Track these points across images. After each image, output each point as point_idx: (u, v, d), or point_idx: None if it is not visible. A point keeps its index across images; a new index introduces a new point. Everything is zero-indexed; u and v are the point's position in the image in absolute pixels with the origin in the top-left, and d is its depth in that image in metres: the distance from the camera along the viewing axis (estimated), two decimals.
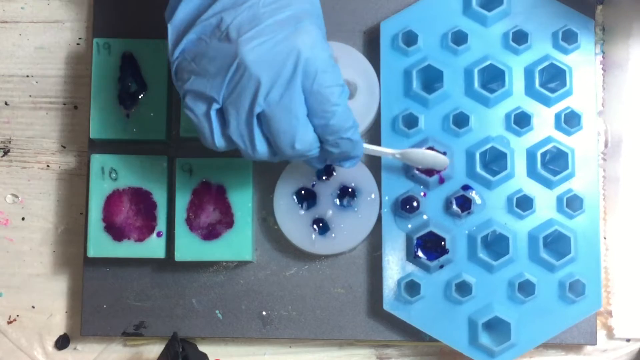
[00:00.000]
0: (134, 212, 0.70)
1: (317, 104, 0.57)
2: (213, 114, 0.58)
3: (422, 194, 0.70)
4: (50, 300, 0.74)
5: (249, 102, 0.57)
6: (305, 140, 0.58)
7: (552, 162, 0.71)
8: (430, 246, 0.69)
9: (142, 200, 0.70)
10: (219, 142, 0.59)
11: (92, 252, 0.70)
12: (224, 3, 0.57)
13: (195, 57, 0.58)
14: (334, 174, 0.70)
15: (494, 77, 0.71)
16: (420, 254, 0.69)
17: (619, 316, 0.72)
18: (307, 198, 0.70)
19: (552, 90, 0.70)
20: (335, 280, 0.71)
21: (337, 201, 0.70)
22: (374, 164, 0.70)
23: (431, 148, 0.69)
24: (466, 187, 0.70)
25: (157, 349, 0.73)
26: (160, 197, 0.70)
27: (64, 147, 0.75)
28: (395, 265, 0.70)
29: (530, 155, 0.70)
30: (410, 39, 0.71)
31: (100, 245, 0.69)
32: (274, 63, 0.56)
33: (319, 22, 0.58)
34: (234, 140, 0.59)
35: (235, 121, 0.58)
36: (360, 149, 0.61)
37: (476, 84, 0.70)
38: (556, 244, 0.69)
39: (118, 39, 0.71)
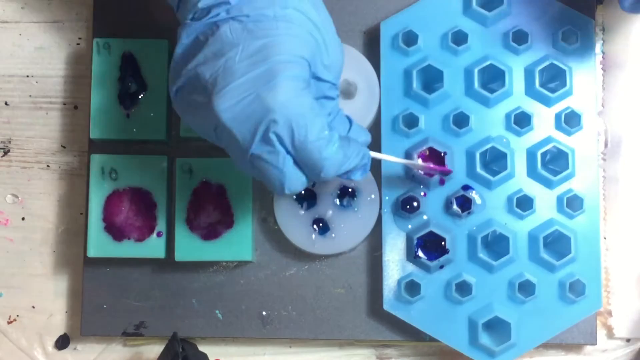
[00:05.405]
0: (134, 212, 0.70)
1: (303, 158, 0.57)
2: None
3: (422, 194, 0.70)
4: (50, 300, 0.74)
5: (237, 152, 0.57)
6: (295, 185, 0.58)
7: (552, 162, 0.71)
8: (430, 246, 0.69)
9: (142, 200, 0.70)
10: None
11: (92, 252, 0.70)
12: (206, 54, 0.56)
13: (185, 103, 0.58)
14: None
15: (494, 77, 0.71)
16: (420, 254, 0.69)
17: (619, 316, 0.72)
18: (307, 198, 0.70)
19: (552, 90, 0.70)
20: (335, 280, 0.71)
21: (337, 201, 0.70)
22: (375, 164, 0.70)
23: (431, 148, 0.69)
24: (466, 187, 0.70)
25: (157, 349, 0.73)
26: (160, 197, 0.70)
27: (64, 147, 0.75)
28: (395, 265, 0.70)
29: (531, 155, 0.70)
30: (410, 39, 0.71)
31: (100, 245, 0.69)
32: (248, 121, 0.55)
33: (300, 71, 0.56)
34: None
35: (237, 165, 0.59)
36: (364, 167, 0.60)
37: (476, 84, 0.70)
38: (556, 244, 0.69)
39: (118, 39, 0.71)
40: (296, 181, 0.58)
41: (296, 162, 0.57)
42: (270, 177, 0.57)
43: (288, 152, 0.56)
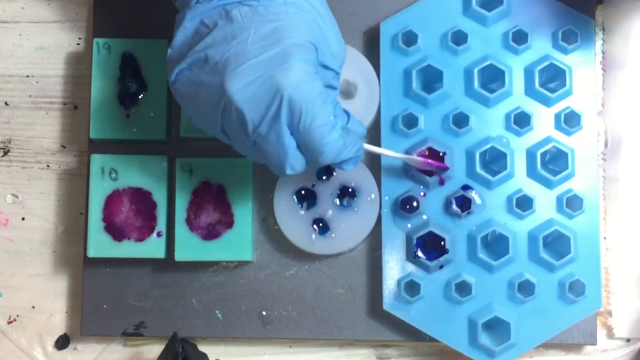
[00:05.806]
0: (134, 212, 0.70)
1: (305, 141, 0.58)
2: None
3: (422, 194, 0.70)
4: (50, 300, 0.74)
5: (241, 135, 0.58)
6: (295, 167, 0.59)
7: (552, 162, 0.71)
8: (430, 246, 0.69)
9: (142, 200, 0.70)
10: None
11: (92, 252, 0.70)
12: (215, 37, 0.57)
13: (188, 85, 0.58)
14: (334, 174, 0.70)
15: (494, 77, 0.71)
16: (420, 254, 0.69)
17: (619, 316, 0.72)
18: (307, 198, 0.70)
19: (552, 90, 0.70)
20: (335, 280, 0.71)
21: (337, 201, 0.70)
22: (374, 164, 0.70)
23: (431, 148, 0.69)
24: (466, 187, 0.70)
25: (157, 349, 0.73)
26: (160, 197, 0.70)
27: (64, 147, 0.75)
28: (395, 265, 0.70)
29: (530, 155, 0.70)
30: (410, 39, 0.71)
31: (100, 245, 0.69)
32: (259, 102, 0.56)
33: (311, 55, 0.57)
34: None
35: (236, 146, 0.60)
36: (356, 158, 0.62)
37: (476, 84, 0.70)
38: (556, 244, 0.69)
39: (118, 39, 0.71)
40: (297, 163, 0.59)
41: (298, 145, 0.58)
42: (273, 157, 0.59)
43: (292, 134, 0.58)
